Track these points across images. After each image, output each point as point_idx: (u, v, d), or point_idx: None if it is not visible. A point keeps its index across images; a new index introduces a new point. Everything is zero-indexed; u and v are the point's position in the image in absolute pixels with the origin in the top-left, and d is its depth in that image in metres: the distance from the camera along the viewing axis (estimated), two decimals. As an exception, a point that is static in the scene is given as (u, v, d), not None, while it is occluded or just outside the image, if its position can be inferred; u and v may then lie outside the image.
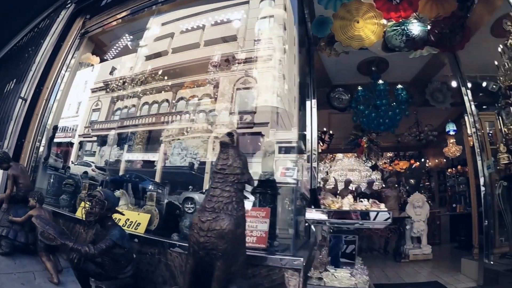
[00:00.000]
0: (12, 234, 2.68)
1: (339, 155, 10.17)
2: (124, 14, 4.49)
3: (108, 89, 4.89)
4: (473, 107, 4.47)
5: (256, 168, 2.66)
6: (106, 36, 4.78)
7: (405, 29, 3.85)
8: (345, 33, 3.75)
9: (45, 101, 3.92)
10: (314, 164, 4.09)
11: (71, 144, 4.90)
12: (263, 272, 2.15)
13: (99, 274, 2.18)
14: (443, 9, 3.92)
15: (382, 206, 2.23)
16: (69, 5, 4.37)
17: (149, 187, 3.53)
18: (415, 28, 3.89)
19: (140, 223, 2.79)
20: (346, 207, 2.19)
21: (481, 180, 4.27)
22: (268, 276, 2.14)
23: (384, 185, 8.26)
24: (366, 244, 6.00)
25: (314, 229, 3.27)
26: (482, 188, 4.24)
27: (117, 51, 4.73)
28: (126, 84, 4.61)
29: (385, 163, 9.43)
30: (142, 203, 3.00)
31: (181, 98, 4.71)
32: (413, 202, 5.62)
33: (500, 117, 4.27)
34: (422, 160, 9.34)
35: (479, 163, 4.35)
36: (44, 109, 3.91)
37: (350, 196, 2.38)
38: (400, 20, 3.80)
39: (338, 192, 6.56)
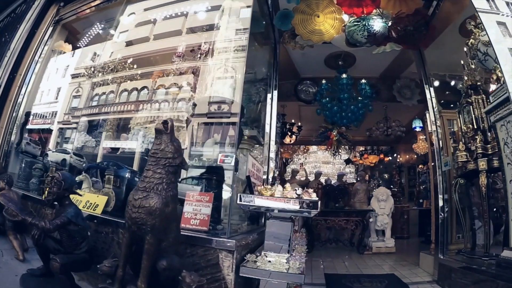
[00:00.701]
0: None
1: (314, 148, 10.52)
2: (98, 1, 4.72)
3: (88, 75, 5.06)
4: (434, 104, 4.70)
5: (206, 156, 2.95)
6: (79, 24, 4.94)
7: (366, 24, 4.06)
8: (306, 27, 3.96)
9: (18, 88, 4.17)
10: (272, 155, 4.37)
11: (49, 131, 4.95)
12: (200, 252, 2.43)
13: (58, 250, 2.47)
14: (407, 6, 4.14)
15: (314, 195, 2.45)
16: (45, -9, 4.59)
17: (126, 175, 3.60)
18: (377, 24, 4.10)
19: (98, 205, 3.08)
20: (277, 195, 2.42)
21: (438, 177, 4.52)
22: (204, 256, 2.42)
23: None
24: (333, 235, 6.39)
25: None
26: (439, 185, 4.50)
27: (89, 38, 4.88)
28: (105, 70, 4.80)
29: (355, 156, 9.77)
30: (102, 186, 3.29)
31: (161, 86, 4.90)
32: (377, 195, 5.89)
33: (460, 116, 4.53)
34: (394, 155, 9.70)
35: (436, 159, 4.64)
36: (17, 95, 4.16)
37: (288, 185, 2.59)
38: (362, 15, 4.01)
39: (308, 183, 6.89)
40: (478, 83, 4.15)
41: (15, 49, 4.12)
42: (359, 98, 5.25)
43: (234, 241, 2.40)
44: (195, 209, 2.72)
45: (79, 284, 2.49)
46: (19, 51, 4.15)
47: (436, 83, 5.14)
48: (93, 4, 4.69)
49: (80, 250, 2.49)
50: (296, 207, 2.30)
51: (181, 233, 2.37)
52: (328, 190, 6.52)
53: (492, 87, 3.73)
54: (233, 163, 2.59)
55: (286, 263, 2.32)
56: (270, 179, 4.06)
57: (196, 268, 2.38)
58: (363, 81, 5.38)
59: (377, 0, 3.98)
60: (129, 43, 4.49)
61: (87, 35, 4.83)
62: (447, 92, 5.08)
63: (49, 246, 2.46)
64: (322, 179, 8.27)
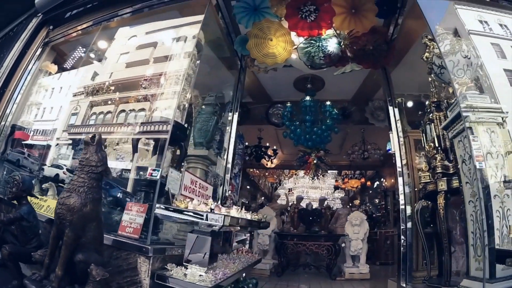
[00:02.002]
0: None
1: (301, 173, 10.79)
2: (85, 26, 5.46)
3: (87, 94, 5.46)
4: (399, 124, 4.99)
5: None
6: (66, 46, 5.75)
7: (321, 45, 4.43)
8: (260, 51, 4.43)
9: (6, 102, 4.97)
10: (227, 176, 4.80)
11: (48, 146, 5.37)
12: (123, 256, 2.84)
13: (13, 243, 3.04)
14: (362, 25, 4.42)
15: (223, 210, 2.79)
16: (39, 16, 5.49)
17: (118, 195, 3.97)
18: (331, 44, 4.47)
19: (57, 210, 3.65)
20: (190, 207, 2.81)
21: (401, 199, 4.66)
22: (126, 259, 2.82)
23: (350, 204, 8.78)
24: (309, 260, 6.57)
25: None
26: (401, 207, 4.66)
27: (73, 61, 5.70)
28: (104, 90, 5.52)
29: (336, 181, 9.93)
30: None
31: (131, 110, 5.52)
32: (351, 220, 6.06)
33: (424, 134, 4.71)
34: (381, 179, 9.76)
35: (399, 180, 4.83)
36: (4, 109, 4.96)
37: (210, 201, 2.94)
38: (315, 36, 4.40)
39: (289, 207, 7.19)
40: (442, 100, 4.34)
41: (7, 66, 4.96)
42: (326, 120, 5.54)
43: (150, 247, 2.78)
44: (131, 218, 3.18)
45: (24, 272, 3.00)
46: (10, 68, 4.98)
47: (406, 103, 5.43)
48: (79, 28, 5.49)
49: (31, 245, 2.99)
50: (201, 220, 2.64)
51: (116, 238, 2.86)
52: (302, 213, 6.78)
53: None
54: (158, 177, 3.08)
55: (200, 275, 2.56)
56: (225, 198, 4.49)
57: (119, 270, 2.81)
58: (328, 103, 5.69)
59: (329, 21, 4.29)
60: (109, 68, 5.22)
61: (72, 57, 5.61)
62: (420, 112, 5.16)
63: (7, 239, 3.00)
64: (304, 203, 8.52)
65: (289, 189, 10.74)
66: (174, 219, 2.78)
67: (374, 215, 8.76)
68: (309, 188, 10.66)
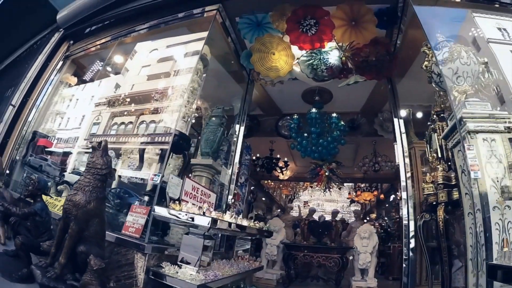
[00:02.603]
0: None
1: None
2: (103, 41, 6.06)
3: (108, 105, 5.82)
4: (404, 136, 5.07)
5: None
6: (86, 60, 6.38)
7: (322, 58, 4.66)
8: (263, 65, 4.74)
9: (29, 111, 5.56)
10: (232, 185, 5.13)
11: (69, 154, 5.78)
12: (122, 252, 3.15)
13: (26, 235, 3.42)
14: (363, 37, 4.56)
15: (214, 214, 2.94)
16: (61, 31, 6.14)
17: (135, 203, 4.18)
18: (332, 56, 4.68)
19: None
20: (184, 209, 3.02)
21: (404, 214, 4.60)
22: (125, 255, 3.12)
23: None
24: (318, 272, 6.61)
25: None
26: (404, 222, 4.59)
27: (92, 73, 6.27)
28: (125, 101, 6.01)
29: (349, 193, 9.88)
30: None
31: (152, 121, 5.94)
32: (360, 233, 5.98)
33: (428, 145, 4.76)
34: (397, 193, 9.58)
35: (403, 194, 4.77)
36: (27, 117, 5.54)
37: (205, 205, 3.19)
38: (314, 49, 4.62)
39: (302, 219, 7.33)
40: (446, 109, 4.33)
41: (30, 77, 5.57)
42: (333, 132, 5.67)
43: (147, 245, 3.06)
44: (134, 219, 3.51)
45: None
46: (33, 79, 5.58)
47: (415, 114, 5.49)
48: (98, 42, 6.08)
49: (42, 238, 3.37)
50: (191, 221, 2.87)
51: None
52: (312, 225, 6.87)
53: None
54: (158, 181, 3.40)
55: (191, 274, 2.78)
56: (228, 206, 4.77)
57: (118, 264, 3.10)
58: (334, 115, 5.83)
59: (330, 34, 4.50)
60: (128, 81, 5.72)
61: (91, 70, 6.19)
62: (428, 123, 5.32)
63: (21, 232, 3.41)
64: (316, 216, 8.58)
65: (304, 201, 10.85)
66: (168, 219, 3.06)
67: (389, 229, 8.64)
68: (325, 201, 10.72)
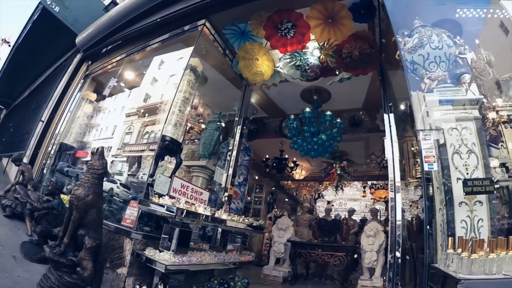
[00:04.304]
0: (14, 205, 5.38)
1: None
2: (118, 58, 7.26)
3: (139, 115, 6.59)
4: (393, 131, 5.33)
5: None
6: (104, 77, 7.62)
7: (303, 59, 5.17)
8: (250, 71, 5.41)
9: (55, 124, 6.89)
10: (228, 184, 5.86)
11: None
12: (116, 237, 4.05)
13: (46, 226, 4.53)
14: (341, 33, 4.87)
15: (182, 204, 3.71)
16: (81, 52, 7.46)
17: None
18: (311, 57, 5.16)
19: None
20: (169, 201, 3.87)
21: (391, 214, 4.59)
22: (118, 240, 4.02)
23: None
24: (336, 272, 7.04)
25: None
26: (391, 219, 4.57)
27: (110, 88, 7.46)
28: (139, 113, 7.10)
29: (364, 191, 9.93)
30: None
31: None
32: (366, 230, 6.24)
33: (415, 137, 4.92)
34: None
35: (390, 194, 4.85)
36: (54, 129, 6.87)
37: (183, 199, 4.02)
38: (295, 51, 5.14)
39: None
40: None
41: (56, 95, 6.92)
42: (331, 130, 6.02)
43: (132, 232, 3.95)
44: (131, 212, 4.42)
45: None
46: (58, 97, 6.92)
47: (409, 106, 5.69)
48: (114, 60, 7.28)
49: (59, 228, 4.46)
50: (162, 209, 3.69)
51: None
52: (321, 224, 7.32)
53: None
54: (146, 179, 4.29)
55: (166, 257, 3.57)
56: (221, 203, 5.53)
57: (112, 248, 4.02)
58: (328, 113, 6.18)
59: (306, 35, 4.91)
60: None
61: (109, 85, 7.38)
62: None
63: (42, 223, 4.51)
64: (333, 215, 8.97)
65: (328, 201, 11.26)
66: (148, 209, 3.90)
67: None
68: (348, 200, 11.02)
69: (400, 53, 4.04)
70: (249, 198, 10.15)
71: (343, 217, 8.61)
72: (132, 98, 6.95)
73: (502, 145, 3.58)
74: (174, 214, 3.52)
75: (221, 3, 4.99)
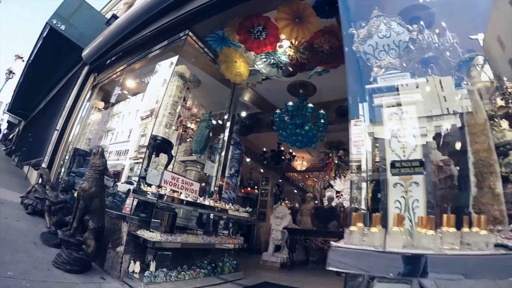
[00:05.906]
0: (34, 203, 6.62)
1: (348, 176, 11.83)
2: (121, 67, 8.43)
3: (153, 117, 6.81)
4: (367, 119, 6.07)
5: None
6: (110, 85, 8.83)
7: (276, 58, 6.01)
8: (231, 73, 6.31)
9: (69, 131, 8.15)
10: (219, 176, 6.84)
11: (122, 166, 7.67)
12: (115, 221, 5.10)
13: (60, 217, 5.71)
14: (308, 31, 5.42)
15: (164, 191, 4.80)
16: (88, 65, 8.71)
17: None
18: (282, 55, 5.96)
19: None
20: (155, 190, 4.95)
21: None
22: (117, 223, 5.06)
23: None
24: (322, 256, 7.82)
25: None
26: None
27: (115, 97, 8.62)
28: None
29: None
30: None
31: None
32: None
33: None
34: None
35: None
36: (68, 136, 8.13)
37: (169, 187, 5.10)
38: (269, 51, 5.95)
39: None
40: None
41: (67, 106, 8.18)
42: (316, 121, 6.75)
43: (129, 217, 4.99)
44: (129, 202, 5.49)
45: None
46: (70, 107, 8.18)
47: None
48: (117, 70, 8.45)
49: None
50: (148, 195, 4.75)
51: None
52: (318, 212, 8.10)
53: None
54: (138, 172, 5.33)
55: (154, 236, 4.65)
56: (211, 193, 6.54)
57: (113, 231, 5.09)
58: (310, 105, 6.86)
59: (276, 36, 5.60)
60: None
61: (115, 93, 8.55)
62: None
63: (58, 214, 5.72)
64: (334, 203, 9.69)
65: (336, 191, 11.87)
66: (138, 197, 4.94)
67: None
68: (355, 190, 11.67)
69: (353, 46, 4.35)
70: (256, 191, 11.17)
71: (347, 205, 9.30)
72: (143, 102, 8.05)
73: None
74: (156, 199, 4.52)
75: (199, 15, 5.92)
